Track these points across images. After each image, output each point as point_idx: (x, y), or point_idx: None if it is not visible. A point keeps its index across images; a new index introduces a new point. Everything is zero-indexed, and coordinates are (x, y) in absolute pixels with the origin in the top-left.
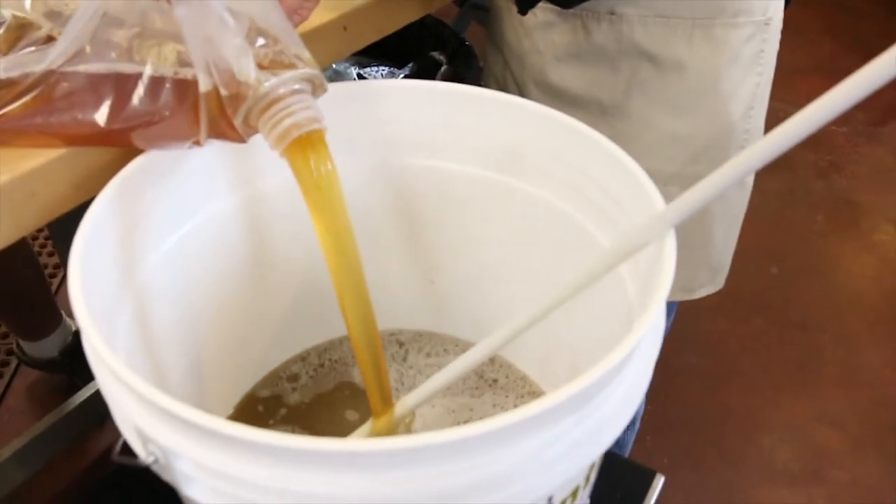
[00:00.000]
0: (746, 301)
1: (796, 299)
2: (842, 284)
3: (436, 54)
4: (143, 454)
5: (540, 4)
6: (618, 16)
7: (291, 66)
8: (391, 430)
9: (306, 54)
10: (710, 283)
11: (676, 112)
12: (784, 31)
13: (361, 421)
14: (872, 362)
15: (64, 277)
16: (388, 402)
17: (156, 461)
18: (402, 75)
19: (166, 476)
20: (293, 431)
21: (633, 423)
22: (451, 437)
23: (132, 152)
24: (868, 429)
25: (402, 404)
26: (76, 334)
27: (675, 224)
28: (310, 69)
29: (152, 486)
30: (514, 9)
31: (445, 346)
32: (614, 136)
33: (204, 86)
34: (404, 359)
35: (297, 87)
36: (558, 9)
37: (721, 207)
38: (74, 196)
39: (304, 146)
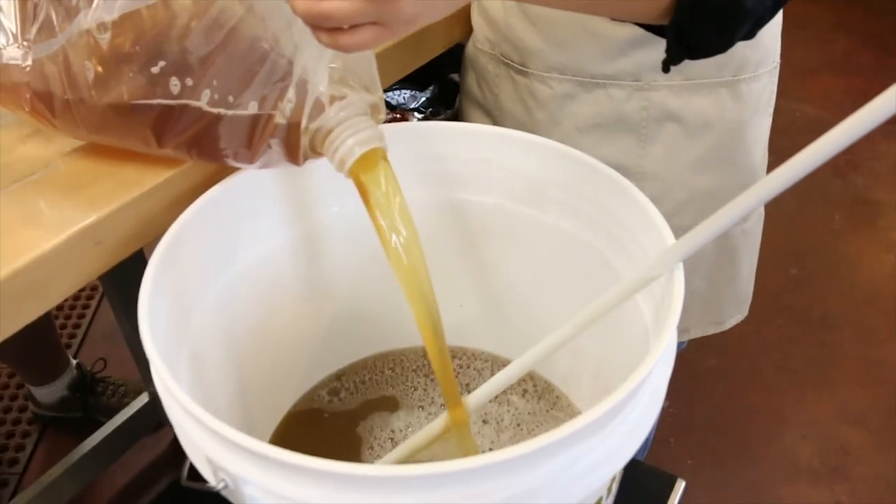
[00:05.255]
0: (766, 302)
1: (816, 298)
2: (860, 282)
3: (455, 76)
4: (214, 481)
5: (556, 76)
6: (645, 83)
7: (354, 90)
8: (465, 421)
9: (373, 79)
10: (738, 313)
11: (705, 169)
12: (797, 29)
13: (403, 424)
14: (893, 359)
15: (96, 311)
16: (456, 399)
17: (225, 487)
18: (423, 98)
19: (234, 499)
20: (336, 443)
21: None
22: (489, 461)
23: (186, 200)
24: (890, 425)
25: (469, 402)
26: (79, 367)
27: (681, 259)
28: (369, 95)
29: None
30: (519, 78)
31: (475, 359)
32: None
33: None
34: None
35: (358, 109)
36: (578, 80)
37: (744, 242)
38: (134, 242)
39: (368, 164)
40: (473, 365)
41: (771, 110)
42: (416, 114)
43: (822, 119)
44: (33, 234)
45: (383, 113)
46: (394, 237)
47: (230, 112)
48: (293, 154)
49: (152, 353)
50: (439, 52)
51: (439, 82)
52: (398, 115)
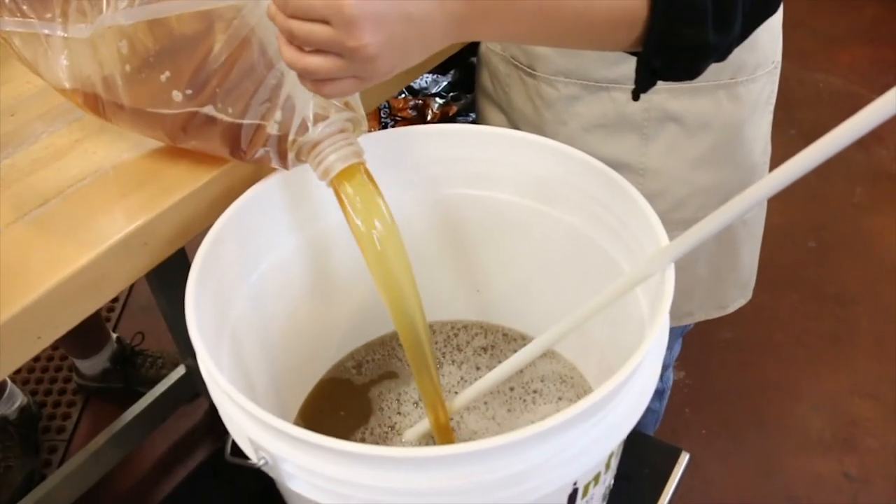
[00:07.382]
0: (783, 275)
1: (833, 273)
2: (879, 258)
3: (475, 60)
4: (255, 458)
5: (562, 79)
6: None
7: (337, 109)
8: (448, 426)
9: (355, 98)
10: (741, 297)
11: (705, 166)
12: None
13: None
14: None
15: (132, 285)
16: (441, 404)
17: (266, 464)
18: (444, 83)
19: (273, 474)
20: (360, 408)
21: (660, 398)
22: (496, 443)
23: (221, 201)
24: None
25: (460, 400)
26: (119, 340)
27: (673, 260)
28: (351, 112)
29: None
30: (528, 79)
31: (490, 331)
32: (646, 193)
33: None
34: (458, 349)
35: (340, 127)
36: (582, 83)
37: (745, 232)
38: (175, 244)
39: (347, 176)
40: (486, 335)
41: (771, 108)
42: (437, 99)
43: (848, 91)
44: (88, 238)
45: (364, 126)
46: (369, 244)
47: (228, 121)
48: (283, 160)
49: (201, 349)
50: (460, 48)
51: (460, 67)
52: (420, 101)
